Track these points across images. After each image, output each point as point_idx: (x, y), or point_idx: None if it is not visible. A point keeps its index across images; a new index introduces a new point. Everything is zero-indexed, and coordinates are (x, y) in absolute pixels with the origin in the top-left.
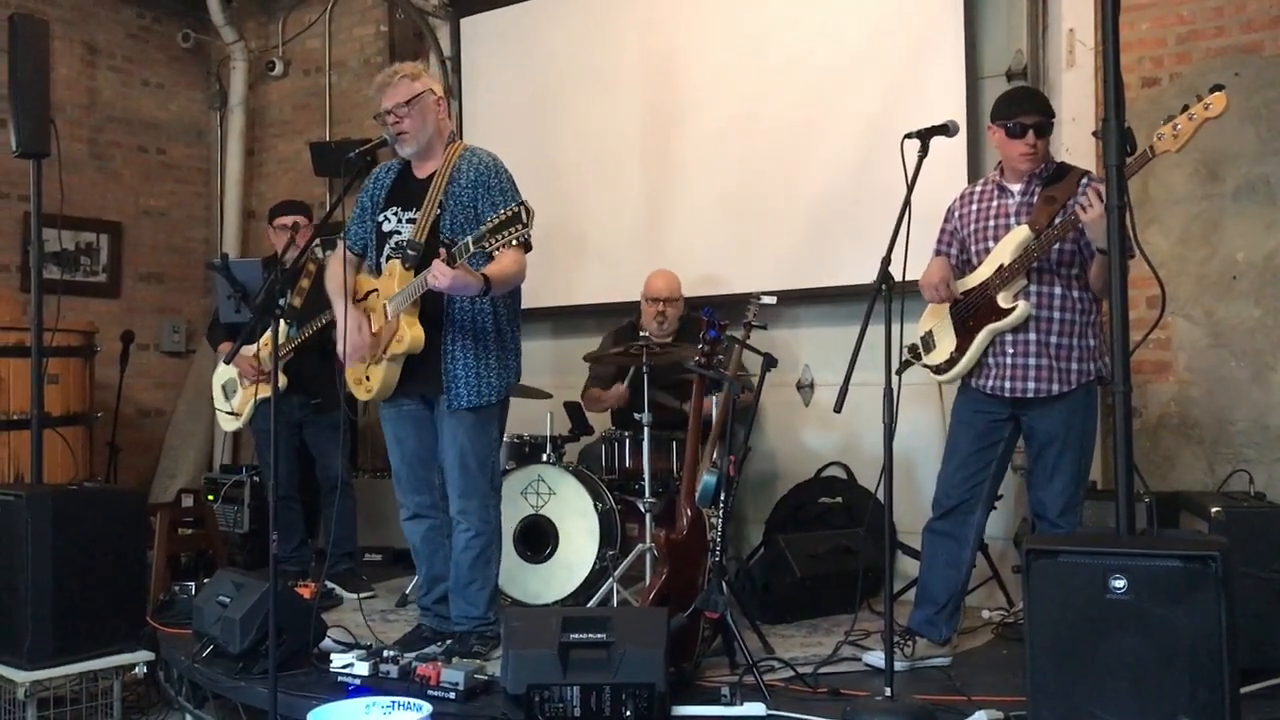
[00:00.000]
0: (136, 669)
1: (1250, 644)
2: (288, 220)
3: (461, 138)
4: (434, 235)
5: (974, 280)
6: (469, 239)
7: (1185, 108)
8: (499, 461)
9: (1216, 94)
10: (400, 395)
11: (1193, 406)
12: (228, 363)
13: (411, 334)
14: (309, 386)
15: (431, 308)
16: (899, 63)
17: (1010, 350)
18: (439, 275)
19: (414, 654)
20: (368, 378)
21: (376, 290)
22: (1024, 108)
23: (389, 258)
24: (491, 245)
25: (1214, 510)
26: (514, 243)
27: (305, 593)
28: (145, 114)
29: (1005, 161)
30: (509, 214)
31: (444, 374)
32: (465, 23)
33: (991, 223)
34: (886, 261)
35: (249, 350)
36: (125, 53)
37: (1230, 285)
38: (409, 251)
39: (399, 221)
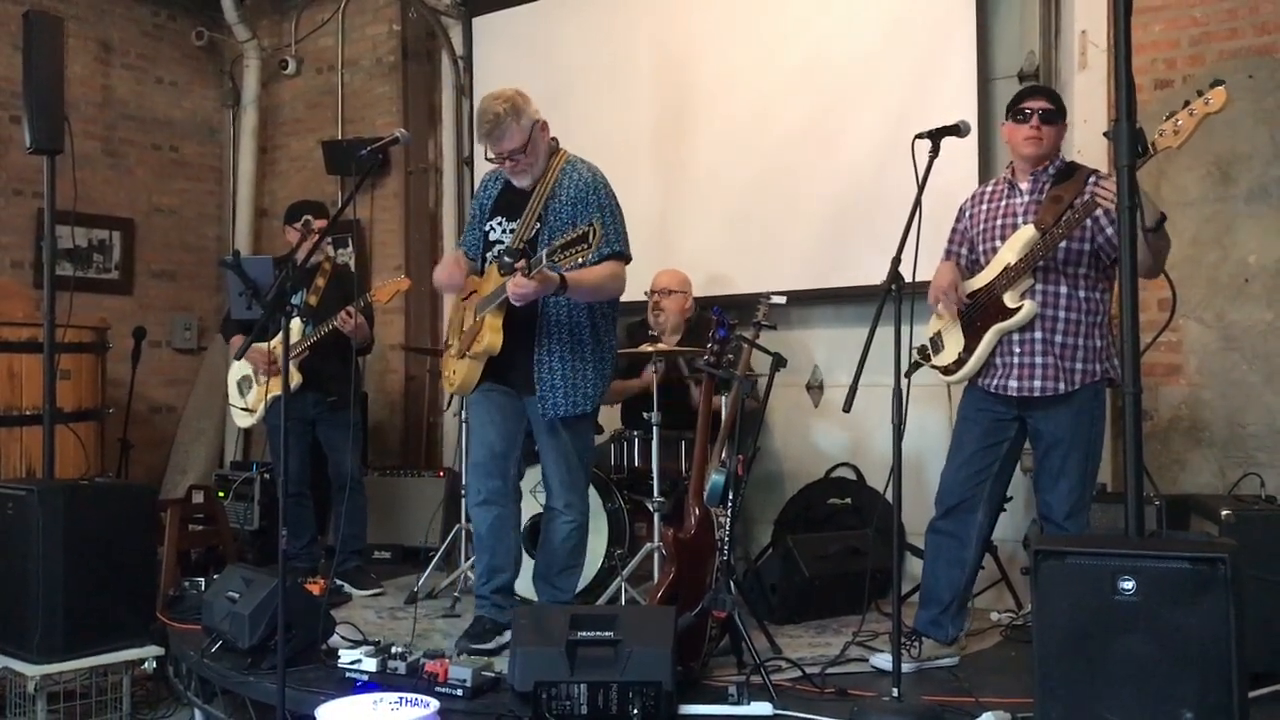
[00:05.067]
0: (146, 664)
1: (1259, 647)
2: (298, 224)
3: (472, 137)
4: (531, 248)
5: (981, 280)
6: (543, 253)
7: (1186, 103)
8: (594, 452)
9: (1216, 89)
10: (489, 380)
11: (1203, 409)
12: (238, 359)
13: (489, 339)
14: (325, 384)
15: (523, 314)
16: (911, 64)
17: (1017, 350)
18: (516, 288)
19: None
20: (454, 371)
21: (476, 290)
22: (1032, 95)
23: (490, 262)
24: (561, 260)
25: (1224, 513)
26: (580, 261)
27: (314, 589)
28: (158, 111)
29: (1013, 151)
30: (578, 234)
31: (538, 383)
32: (478, 22)
33: (999, 222)
34: (897, 262)
35: (261, 346)
36: (139, 50)
37: (1242, 288)
38: (505, 259)
39: (502, 232)
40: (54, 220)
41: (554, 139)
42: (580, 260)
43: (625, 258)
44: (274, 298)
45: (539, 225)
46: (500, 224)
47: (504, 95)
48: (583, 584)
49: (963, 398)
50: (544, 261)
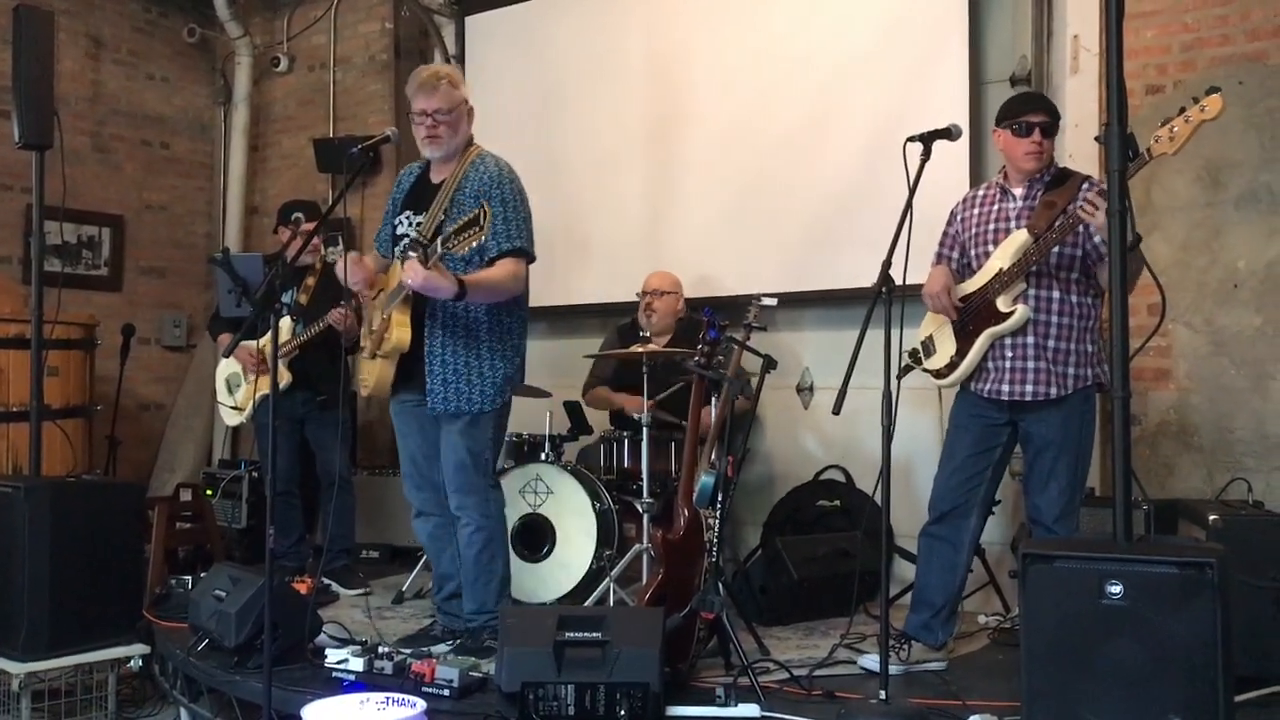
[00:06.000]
0: (132, 662)
1: (1246, 652)
2: (290, 224)
3: None
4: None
5: (973, 285)
6: (438, 240)
7: (1181, 110)
8: (497, 458)
9: (1212, 96)
10: (404, 392)
11: (1192, 414)
12: (226, 355)
13: (397, 335)
14: (314, 383)
15: (420, 310)
16: (903, 67)
17: (1009, 354)
18: (410, 273)
19: (410, 650)
20: (367, 374)
21: (385, 289)
22: (1031, 107)
23: (397, 257)
24: (455, 246)
25: (1212, 518)
26: (475, 245)
27: (301, 588)
28: (149, 108)
29: (1010, 162)
30: (469, 218)
31: (428, 377)
32: (470, 21)
33: (992, 226)
34: (887, 265)
35: (249, 345)
36: (130, 46)
37: (1231, 293)
38: (409, 253)
39: (409, 226)
40: (43, 216)
41: (472, 135)
42: (475, 244)
43: (527, 255)
44: (263, 295)
45: (444, 218)
46: (408, 218)
47: (448, 68)
48: (571, 585)
49: (955, 404)
50: (439, 249)
